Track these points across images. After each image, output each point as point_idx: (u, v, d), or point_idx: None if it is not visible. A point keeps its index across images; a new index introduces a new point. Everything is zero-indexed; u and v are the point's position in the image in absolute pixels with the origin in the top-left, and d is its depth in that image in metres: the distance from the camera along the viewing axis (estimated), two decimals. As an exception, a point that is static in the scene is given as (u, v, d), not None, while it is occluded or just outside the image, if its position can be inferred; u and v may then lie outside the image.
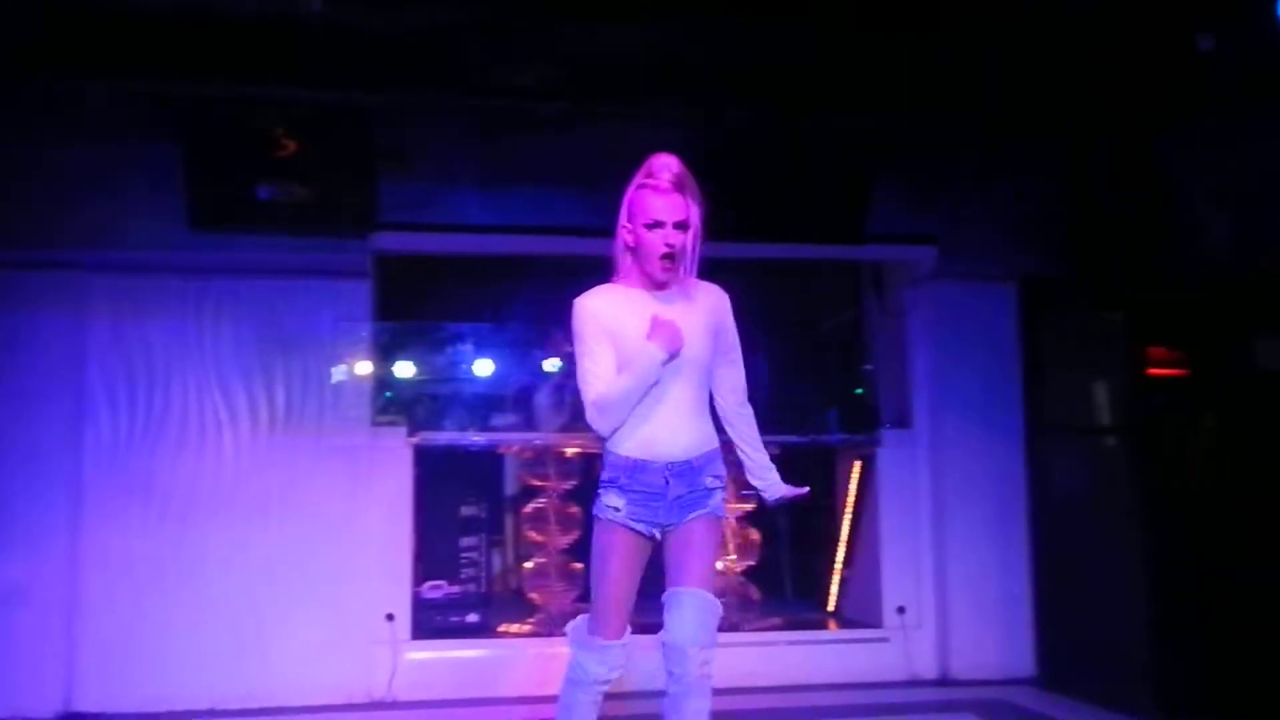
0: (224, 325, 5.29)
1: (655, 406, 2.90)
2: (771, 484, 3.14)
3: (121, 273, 5.19)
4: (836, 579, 6.37)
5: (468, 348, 7.18)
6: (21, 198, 4.95)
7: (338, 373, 5.36)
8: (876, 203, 5.45)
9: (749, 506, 6.04)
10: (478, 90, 4.70)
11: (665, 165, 2.91)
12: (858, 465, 6.18)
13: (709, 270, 6.42)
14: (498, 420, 6.72)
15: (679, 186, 2.89)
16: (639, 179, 2.95)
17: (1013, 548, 5.70)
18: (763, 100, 5.05)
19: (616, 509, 2.92)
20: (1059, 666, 5.50)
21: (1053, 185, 5.67)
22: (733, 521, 6.02)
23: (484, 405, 6.82)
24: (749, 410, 3.14)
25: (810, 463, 6.88)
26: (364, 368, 5.42)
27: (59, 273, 5.09)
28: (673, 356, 2.84)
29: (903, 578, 5.80)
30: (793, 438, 6.16)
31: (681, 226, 2.88)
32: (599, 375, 2.91)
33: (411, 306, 6.56)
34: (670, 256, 2.88)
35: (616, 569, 2.94)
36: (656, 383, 2.88)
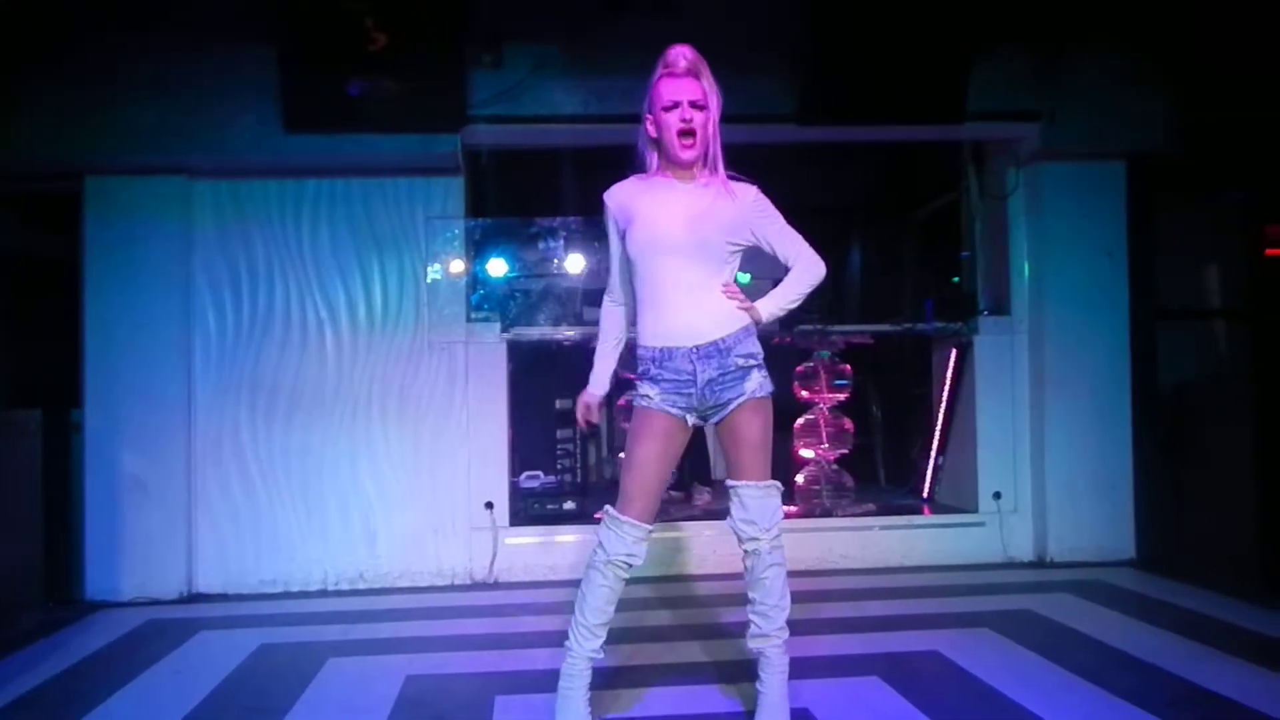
0: (321, 225, 5.41)
1: (663, 295, 3.00)
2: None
3: (223, 177, 5.32)
4: (931, 467, 6.35)
5: (560, 242, 7.20)
6: (126, 105, 5.06)
7: (432, 270, 5.44)
8: (978, 79, 5.23)
9: (842, 396, 6.03)
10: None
11: (680, 54, 2.99)
12: (954, 353, 6.09)
13: (805, 154, 6.22)
14: (590, 314, 6.75)
15: (693, 72, 2.98)
16: (657, 71, 3.02)
17: (1113, 434, 5.60)
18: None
19: (648, 397, 3.03)
20: (1158, 550, 5.45)
21: (1165, 59, 5.36)
22: (825, 411, 6.01)
23: (576, 300, 6.85)
24: (800, 264, 3.10)
25: (906, 351, 6.82)
26: (458, 264, 5.48)
27: (164, 178, 5.23)
28: None
29: (999, 464, 5.76)
30: (887, 326, 6.10)
31: (697, 106, 2.96)
32: (611, 276, 3.21)
33: (504, 202, 6.55)
34: (688, 133, 2.95)
35: (645, 453, 3.03)
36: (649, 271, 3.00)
